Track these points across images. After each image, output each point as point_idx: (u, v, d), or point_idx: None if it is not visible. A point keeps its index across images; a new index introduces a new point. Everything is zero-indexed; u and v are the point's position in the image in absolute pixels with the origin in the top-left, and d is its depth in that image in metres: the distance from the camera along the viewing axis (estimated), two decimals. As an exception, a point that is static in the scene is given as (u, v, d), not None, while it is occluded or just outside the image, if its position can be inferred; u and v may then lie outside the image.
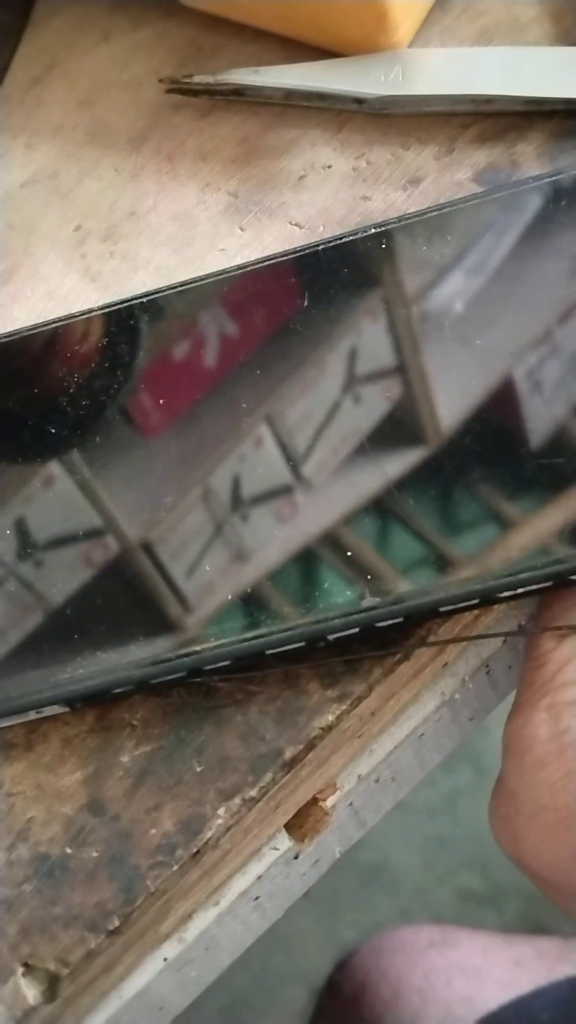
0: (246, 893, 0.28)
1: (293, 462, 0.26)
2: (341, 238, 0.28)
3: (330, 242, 0.28)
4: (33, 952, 0.24)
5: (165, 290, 0.29)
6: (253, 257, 0.30)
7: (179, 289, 0.29)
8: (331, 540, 0.25)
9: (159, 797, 0.25)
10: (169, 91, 0.35)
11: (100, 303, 0.29)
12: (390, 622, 0.25)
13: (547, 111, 0.31)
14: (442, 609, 0.25)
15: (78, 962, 0.24)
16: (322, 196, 0.32)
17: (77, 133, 0.36)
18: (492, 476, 0.25)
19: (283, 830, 0.28)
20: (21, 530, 0.27)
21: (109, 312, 0.29)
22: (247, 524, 0.26)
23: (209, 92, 0.34)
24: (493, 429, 0.25)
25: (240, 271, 0.28)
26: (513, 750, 0.25)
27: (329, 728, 0.26)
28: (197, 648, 0.25)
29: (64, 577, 0.26)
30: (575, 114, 0.31)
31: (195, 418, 0.27)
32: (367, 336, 0.27)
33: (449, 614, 0.25)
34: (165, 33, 0.37)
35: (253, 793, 0.25)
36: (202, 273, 0.29)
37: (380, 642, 0.26)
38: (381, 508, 0.25)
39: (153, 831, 0.25)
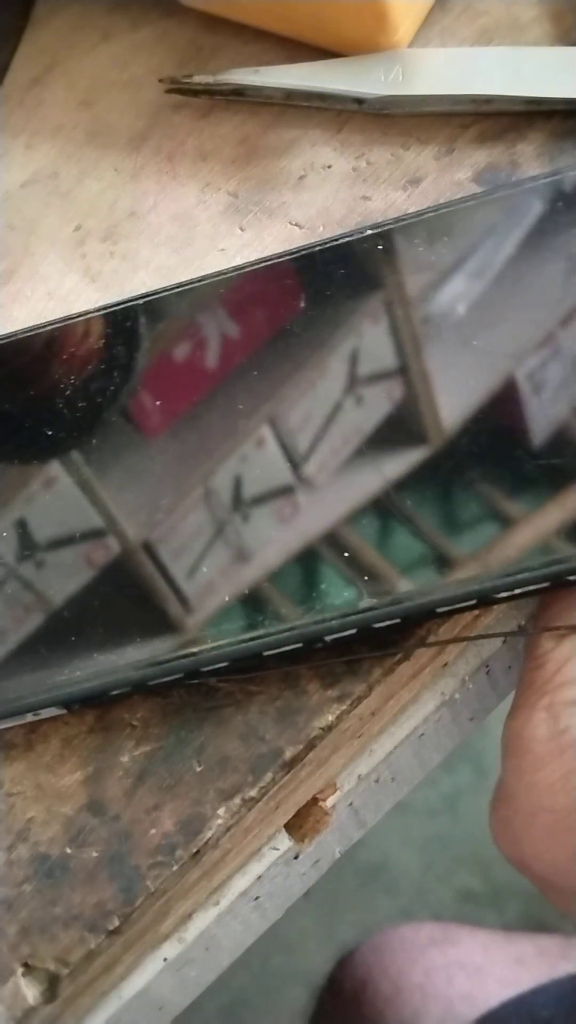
0: (246, 893, 0.28)
1: (294, 462, 0.26)
2: (339, 239, 0.28)
3: (327, 243, 0.28)
4: (33, 952, 0.24)
5: (165, 290, 0.29)
6: (253, 257, 0.30)
7: (179, 289, 0.29)
8: (330, 541, 0.25)
9: (159, 797, 0.25)
10: (169, 91, 0.35)
11: (100, 303, 0.29)
12: (388, 623, 0.25)
13: (547, 111, 0.31)
14: (440, 610, 0.24)
15: (78, 962, 0.24)
16: (322, 196, 0.32)
17: (77, 133, 0.36)
18: (490, 477, 0.25)
19: (283, 830, 0.28)
20: (21, 531, 0.27)
21: (109, 312, 0.29)
22: (247, 525, 0.26)
23: (209, 92, 0.34)
24: (491, 429, 0.25)
25: (237, 272, 0.28)
26: (512, 750, 0.25)
27: (329, 728, 0.26)
28: (196, 649, 0.25)
29: (64, 578, 0.26)
30: (575, 114, 0.31)
31: (196, 418, 0.27)
32: (366, 335, 0.27)
33: (448, 615, 0.25)
34: (165, 33, 0.37)
35: (253, 793, 0.25)
36: (202, 273, 0.29)
37: (380, 643, 0.26)
38: (380, 509, 0.25)
39: (153, 831, 0.25)
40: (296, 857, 0.29)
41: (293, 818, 0.28)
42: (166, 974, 0.28)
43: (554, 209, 0.27)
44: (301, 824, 0.28)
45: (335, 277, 0.28)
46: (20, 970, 0.24)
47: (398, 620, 0.24)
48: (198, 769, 0.25)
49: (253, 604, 0.25)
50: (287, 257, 0.28)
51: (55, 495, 0.27)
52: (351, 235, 0.28)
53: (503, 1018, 0.47)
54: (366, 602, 0.24)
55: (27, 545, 0.27)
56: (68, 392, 0.28)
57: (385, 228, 0.28)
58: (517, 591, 0.24)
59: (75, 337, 0.29)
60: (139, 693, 0.26)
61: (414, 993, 0.50)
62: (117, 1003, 0.27)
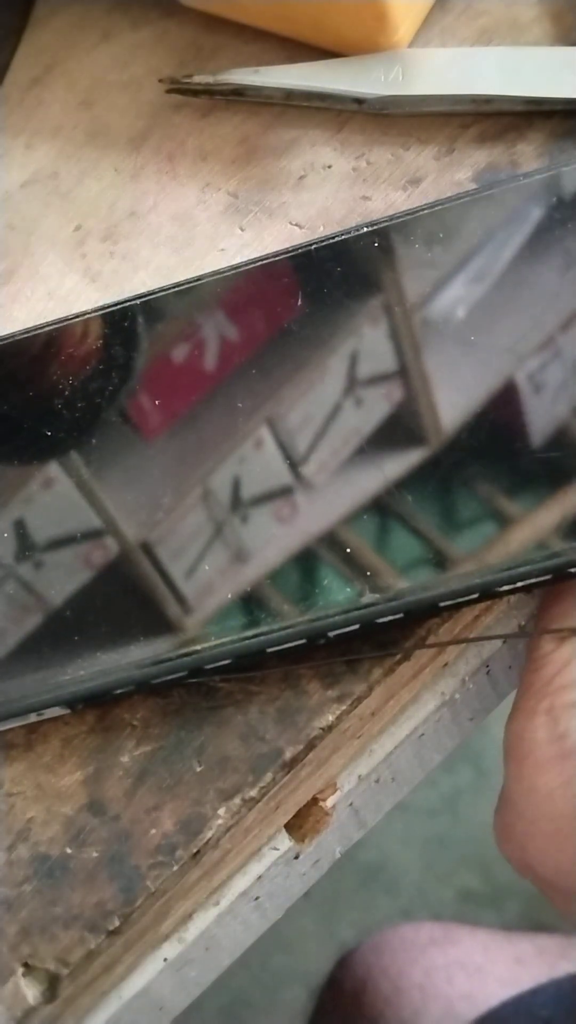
0: (246, 893, 0.28)
1: (293, 461, 0.26)
2: (335, 236, 0.28)
3: (324, 241, 0.28)
4: (33, 952, 0.24)
5: (163, 290, 0.29)
6: (253, 257, 0.30)
7: (176, 289, 0.29)
8: (331, 539, 0.25)
9: (159, 797, 0.25)
10: (169, 91, 0.35)
11: (100, 303, 0.29)
12: (390, 618, 0.25)
13: (547, 111, 0.31)
14: (442, 604, 0.25)
15: (78, 962, 0.24)
16: (322, 196, 0.32)
17: (77, 133, 0.36)
18: (490, 470, 0.25)
19: (283, 830, 0.28)
20: (21, 531, 0.27)
21: (108, 313, 0.29)
22: (247, 524, 0.26)
23: (209, 92, 0.34)
24: (490, 424, 0.25)
25: (233, 271, 0.28)
26: (513, 754, 0.25)
27: (329, 728, 0.26)
28: (197, 647, 0.25)
29: (64, 578, 0.26)
30: (575, 114, 0.31)
31: (195, 418, 0.27)
32: (363, 334, 0.27)
33: (449, 610, 0.25)
34: (165, 33, 0.37)
35: (253, 793, 0.25)
36: (200, 273, 0.29)
37: (380, 642, 0.26)
38: (380, 506, 0.25)
39: (153, 831, 0.25)
40: (296, 857, 0.29)
41: (293, 818, 0.28)
42: (166, 974, 0.28)
43: (551, 205, 0.27)
44: (301, 824, 0.28)
45: (332, 275, 0.28)
46: (20, 970, 0.24)
47: (400, 615, 0.24)
48: (198, 769, 0.25)
49: (255, 602, 0.25)
50: (283, 256, 0.28)
51: (54, 495, 0.27)
52: (347, 233, 0.28)
53: (503, 1018, 0.47)
54: (368, 598, 0.24)
55: (27, 545, 0.27)
56: (67, 392, 0.28)
57: (381, 226, 0.28)
58: (518, 584, 0.24)
59: (74, 337, 0.29)
60: (141, 692, 0.26)
61: (414, 993, 0.50)
62: (117, 1003, 0.27)
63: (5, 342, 0.29)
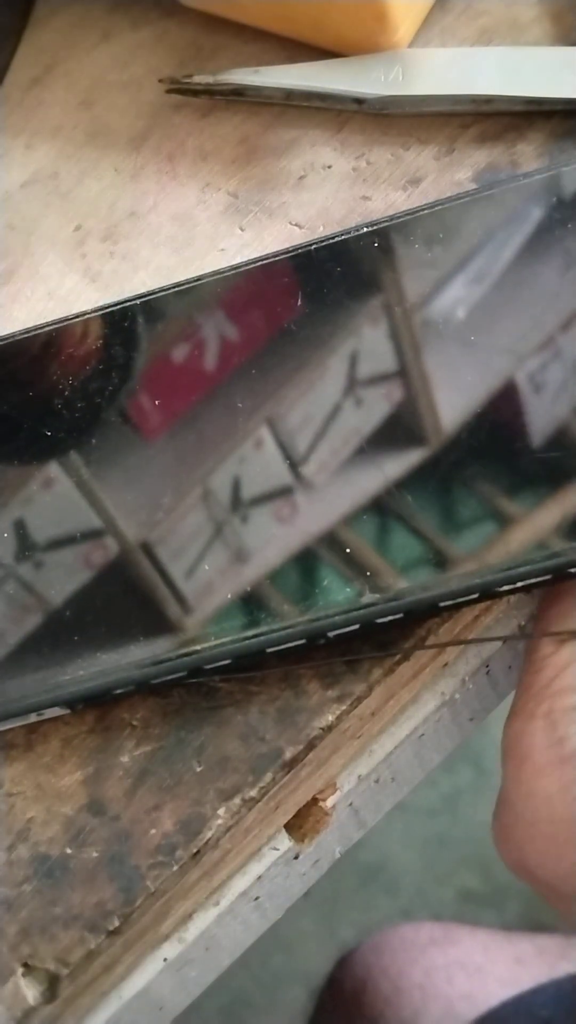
0: (246, 893, 0.28)
1: (292, 461, 0.26)
2: (335, 236, 0.28)
3: (323, 241, 0.28)
4: (33, 952, 0.24)
5: (162, 290, 0.29)
6: (253, 257, 0.30)
7: (176, 289, 0.29)
8: (330, 539, 0.25)
9: (159, 797, 0.25)
10: (169, 91, 0.35)
11: (100, 303, 0.29)
12: (390, 618, 0.25)
13: (547, 111, 0.31)
14: (442, 604, 0.25)
15: (78, 962, 0.24)
16: (322, 196, 0.32)
17: (77, 133, 0.36)
18: (490, 470, 0.25)
19: (283, 830, 0.28)
20: (21, 531, 0.27)
21: (107, 313, 0.29)
22: (247, 524, 0.26)
23: (209, 92, 0.34)
24: (489, 424, 0.25)
25: (233, 271, 0.28)
26: (511, 757, 0.25)
27: (329, 728, 0.26)
28: (197, 647, 0.25)
29: (64, 578, 0.26)
30: (575, 114, 0.31)
31: (195, 418, 0.27)
32: (363, 333, 0.27)
33: (449, 610, 0.25)
34: (165, 33, 0.37)
35: (253, 793, 0.25)
36: (200, 273, 0.29)
37: (380, 642, 0.26)
38: (380, 506, 0.25)
39: (153, 831, 0.25)
40: (296, 857, 0.29)
41: (293, 818, 0.28)
42: (166, 974, 0.28)
43: (551, 205, 0.27)
44: (301, 824, 0.28)
45: (332, 275, 0.28)
46: (20, 970, 0.24)
47: (400, 616, 0.24)
48: (198, 769, 0.25)
49: (255, 602, 0.25)
50: (283, 256, 0.28)
51: (54, 495, 0.27)
52: (348, 233, 0.28)
53: (503, 1018, 0.47)
54: (368, 598, 0.24)
55: (27, 545, 0.27)
56: (67, 392, 0.28)
57: (381, 226, 0.28)
58: (518, 584, 0.24)
59: (74, 337, 0.29)
60: (142, 692, 0.26)
61: (414, 993, 0.50)
62: (117, 1003, 0.27)
63: (5, 342, 0.29)
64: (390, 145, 0.33)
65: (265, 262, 0.28)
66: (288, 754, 0.25)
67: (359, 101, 0.33)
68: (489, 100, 0.31)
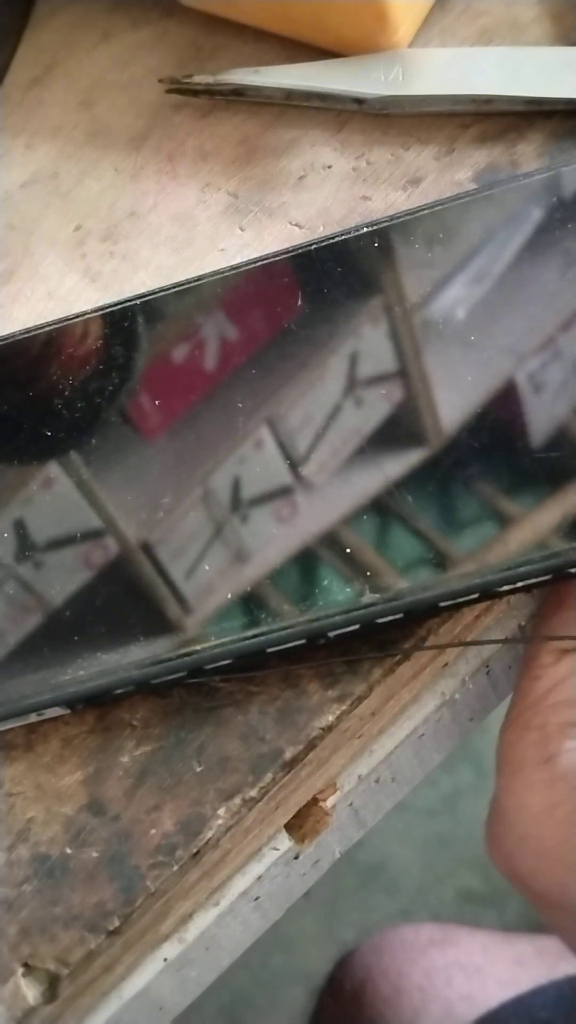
0: (246, 893, 0.28)
1: (293, 461, 0.26)
2: (335, 236, 0.28)
3: (323, 241, 0.28)
4: (33, 952, 0.24)
5: (162, 290, 0.29)
6: (253, 257, 0.30)
7: (176, 289, 0.29)
8: (331, 539, 0.25)
9: (159, 797, 0.25)
10: (169, 91, 0.35)
11: (100, 303, 0.29)
12: (390, 618, 0.25)
13: (547, 111, 0.31)
14: (442, 604, 0.25)
15: (78, 962, 0.24)
16: (322, 196, 0.32)
17: (77, 133, 0.36)
18: (490, 470, 0.25)
19: (283, 830, 0.28)
20: (21, 531, 0.27)
21: (107, 313, 0.29)
22: (247, 524, 0.26)
23: (209, 92, 0.34)
24: (489, 424, 0.25)
25: (233, 271, 0.28)
26: (504, 767, 0.25)
27: (329, 728, 0.26)
28: (197, 647, 0.25)
29: (64, 578, 0.26)
30: (575, 114, 0.31)
31: (195, 418, 0.27)
32: (363, 333, 0.27)
33: (449, 610, 0.25)
34: (165, 33, 0.37)
35: (253, 793, 0.25)
36: (200, 273, 0.29)
37: (380, 642, 0.26)
38: (380, 506, 0.25)
39: (153, 831, 0.25)
40: (296, 857, 0.29)
41: (293, 818, 0.28)
42: (166, 974, 0.28)
43: (551, 205, 0.27)
44: (301, 824, 0.28)
45: (332, 275, 0.28)
46: (20, 970, 0.24)
47: (400, 615, 0.24)
48: (198, 769, 0.25)
49: (255, 602, 0.25)
50: (283, 256, 0.28)
51: (54, 495, 0.27)
52: (347, 233, 0.28)
53: (502, 1019, 0.47)
54: (368, 598, 0.24)
55: (27, 545, 0.27)
56: (67, 392, 0.28)
57: (382, 226, 0.28)
58: (519, 584, 0.24)
59: (74, 337, 0.29)
60: (142, 692, 0.26)
61: (414, 994, 0.50)
62: (117, 1003, 0.27)
63: (5, 342, 0.29)
64: (390, 145, 0.33)
65: (265, 262, 0.28)
66: (288, 754, 0.25)
67: (359, 101, 0.33)
68: (489, 100, 0.31)
